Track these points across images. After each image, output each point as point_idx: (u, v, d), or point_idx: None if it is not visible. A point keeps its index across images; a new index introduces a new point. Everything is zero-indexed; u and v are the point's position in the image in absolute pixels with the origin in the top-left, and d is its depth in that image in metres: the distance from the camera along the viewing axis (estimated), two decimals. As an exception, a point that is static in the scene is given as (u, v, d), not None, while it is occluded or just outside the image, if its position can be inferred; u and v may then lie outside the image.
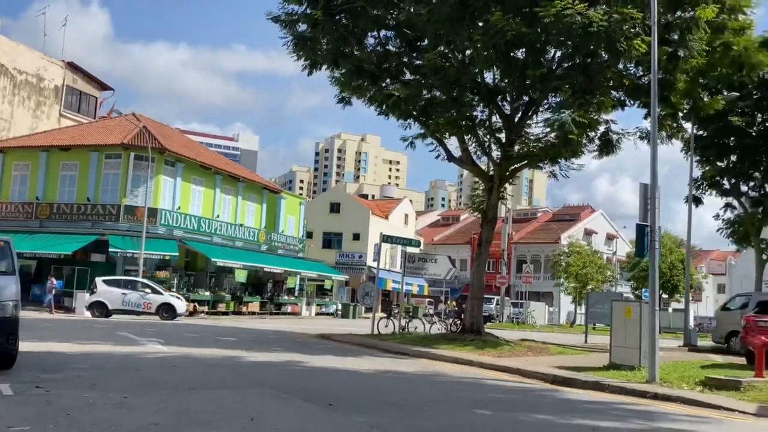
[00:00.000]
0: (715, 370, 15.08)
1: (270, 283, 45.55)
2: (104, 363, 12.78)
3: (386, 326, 24.33)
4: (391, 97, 20.81)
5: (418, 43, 21.47)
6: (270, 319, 38.43)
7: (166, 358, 14.45)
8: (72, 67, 49.75)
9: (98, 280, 31.42)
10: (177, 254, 36.76)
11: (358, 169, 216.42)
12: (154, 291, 31.64)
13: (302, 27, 21.53)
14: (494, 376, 14.59)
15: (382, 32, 21.97)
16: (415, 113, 21.88)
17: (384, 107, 21.64)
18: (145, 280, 32.61)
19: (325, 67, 22.14)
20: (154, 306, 31.02)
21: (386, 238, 26.04)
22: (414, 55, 21.72)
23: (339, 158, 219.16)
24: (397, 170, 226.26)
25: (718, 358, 19.96)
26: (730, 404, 11.03)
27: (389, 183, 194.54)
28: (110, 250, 35.04)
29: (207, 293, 39.14)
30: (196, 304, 36.91)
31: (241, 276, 40.78)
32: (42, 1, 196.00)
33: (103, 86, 52.64)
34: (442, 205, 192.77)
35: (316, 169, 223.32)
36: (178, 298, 32.81)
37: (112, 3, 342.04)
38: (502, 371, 15.30)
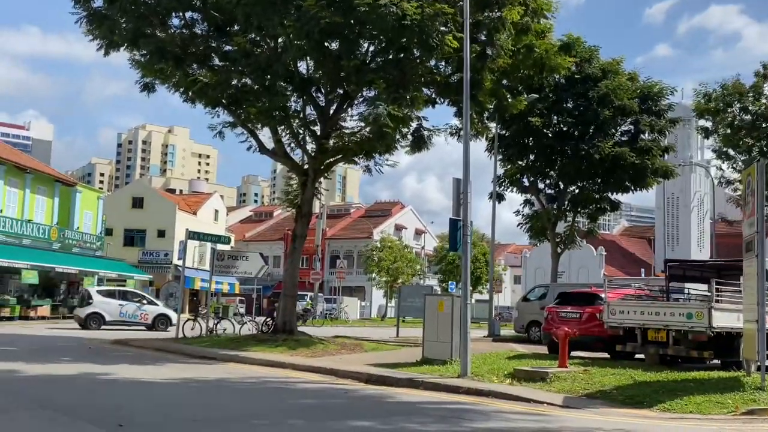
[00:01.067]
0: (521, 362, 15.52)
1: (64, 284, 41.65)
2: None
3: (192, 329, 22.89)
4: (197, 82, 19.34)
5: (228, 28, 20.18)
6: (63, 323, 35.03)
7: None
8: None
9: (92, 290, 30.19)
10: (-51, 254, 32.48)
11: (165, 163, 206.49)
12: (150, 302, 30.22)
13: (98, 3, 19.54)
14: (308, 378, 13.96)
15: (188, 13, 20.47)
16: (224, 101, 20.59)
17: (189, 94, 20.23)
18: (134, 290, 31.07)
19: (124, 48, 20.25)
20: (151, 317, 29.62)
21: (192, 235, 24.49)
22: (223, 39, 20.41)
23: (144, 150, 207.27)
24: (207, 164, 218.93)
25: (522, 348, 20.77)
26: (538, 396, 11.23)
27: (198, 177, 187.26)
28: None
29: (-13, 297, 34.91)
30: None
31: (29, 277, 36.73)
32: None
33: None
34: (255, 201, 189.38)
35: (118, 162, 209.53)
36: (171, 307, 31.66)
37: None
38: (316, 372, 14.75)
